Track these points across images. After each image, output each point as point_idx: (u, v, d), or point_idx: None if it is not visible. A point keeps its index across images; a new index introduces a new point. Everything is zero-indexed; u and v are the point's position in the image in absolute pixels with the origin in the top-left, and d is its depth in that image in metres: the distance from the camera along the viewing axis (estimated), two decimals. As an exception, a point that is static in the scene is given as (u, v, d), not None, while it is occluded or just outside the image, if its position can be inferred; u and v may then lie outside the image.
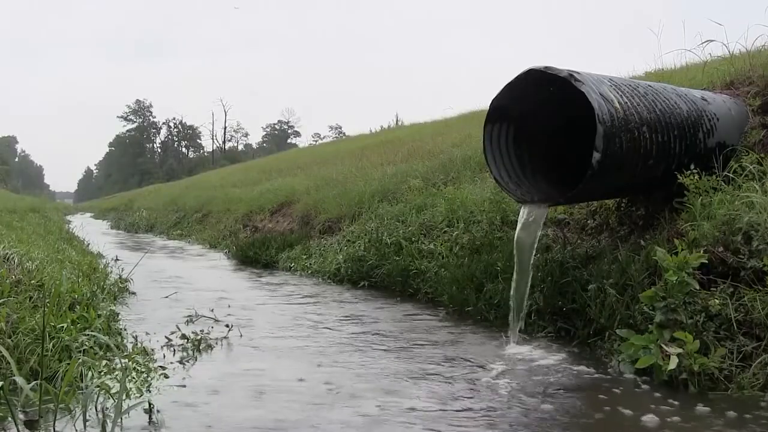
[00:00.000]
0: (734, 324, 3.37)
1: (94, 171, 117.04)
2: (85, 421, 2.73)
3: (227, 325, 4.80)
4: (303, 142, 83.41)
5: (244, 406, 3.17)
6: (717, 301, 3.45)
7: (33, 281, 4.38)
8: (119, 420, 2.73)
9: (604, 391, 3.33)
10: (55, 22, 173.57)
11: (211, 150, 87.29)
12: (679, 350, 3.28)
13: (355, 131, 36.16)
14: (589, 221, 5.41)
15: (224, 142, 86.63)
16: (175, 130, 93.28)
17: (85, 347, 3.56)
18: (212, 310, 5.38)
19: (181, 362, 3.93)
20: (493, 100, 4.42)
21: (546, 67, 4.00)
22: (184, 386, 3.43)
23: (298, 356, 4.15)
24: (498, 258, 5.28)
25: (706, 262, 3.57)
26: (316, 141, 72.13)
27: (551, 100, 4.38)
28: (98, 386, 3.03)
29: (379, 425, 2.90)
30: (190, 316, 5.21)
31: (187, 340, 4.35)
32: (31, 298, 4.06)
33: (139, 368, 3.51)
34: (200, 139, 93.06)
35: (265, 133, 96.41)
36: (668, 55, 13.13)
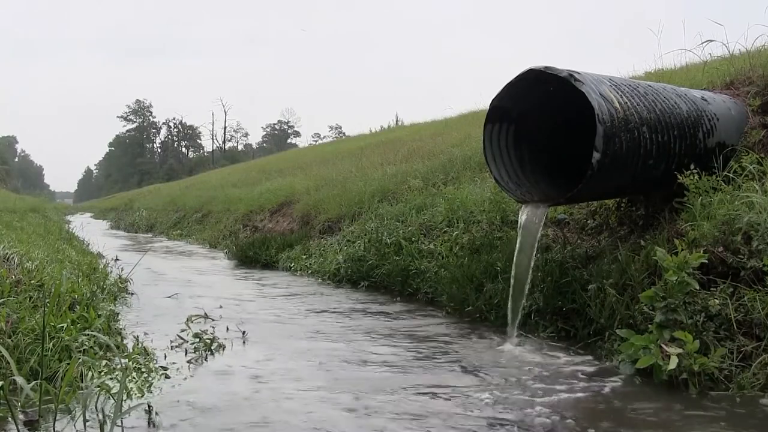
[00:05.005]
0: (734, 324, 3.37)
1: (94, 171, 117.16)
2: (85, 421, 2.73)
3: (244, 329, 4.78)
4: (303, 142, 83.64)
5: (242, 405, 3.18)
6: (717, 301, 3.45)
7: (33, 281, 4.38)
8: (119, 420, 2.72)
9: (603, 391, 3.33)
10: (55, 22, 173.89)
11: (211, 150, 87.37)
12: (679, 350, 3.28)
13: (355, 131, 36.20)
14: (589, 221, 5.41)
15: (224, 142, 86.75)
16: (175, 130, 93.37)
17: (85, 347, 3.56)
18: (217, 310, 5.37)
19: (180, 362, 3.93)
20: (493, 100, 4.42)
21: (546, 67, 4.00)
22: (182, 386, 3.43)
23: (297, 356, 4.15)
24: (498, 258, 5.27)
25: (706, 262, 3.57)
26: (316, 141, 72.35)
27: (551, 100, 4.38)
28: (98, 386, 3.03)
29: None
30: (189, 316, 5.20)
31: (185, 340, 4.34)
32: (31, 298, 4.06)
33: (139, 368, 3.51)
34: (200, 139, 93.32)
35: (265, 133, 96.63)
36: (668, 55, 13.16)
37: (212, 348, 4.21)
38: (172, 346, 4.27)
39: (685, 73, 6.55)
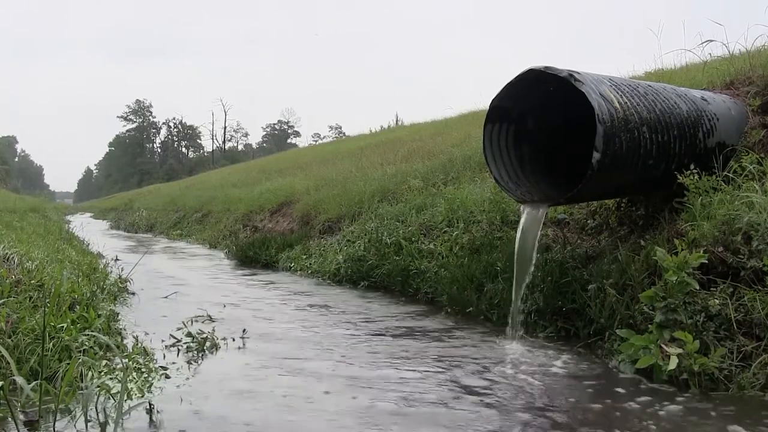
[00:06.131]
0: (734, 324, 3.37)
1: (94, 171, 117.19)
2: (87, 421, 2.73)
3: (244, 331, 4.77)
4: (303, 142, 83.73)
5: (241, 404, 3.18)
6: (717, 301, 3.45)
7: (33, 281, 4.38)
8: (121, 421, 2.73)
9: (603, 391, 3.33)
10: (55, 22, 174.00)
11: (211, 150, 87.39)
12: (679, 350, 3.28)
13: (355, 131, 36.27)
14: (589, 221, 5.41)
15: (224, 142, 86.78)
16: (175, 130, 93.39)
17: (85, 347, 3.56)
18: (217, 310, 5.36)
19: (179, 362, 3.93)
20: (493, 100, 4.42)
21: (546, 67, 4.00)
22: (184, 385, 3.43)
23: (294, 356, 4.15)
24: (498, 258, 5.27)
25: (706, 262, 3.57)
26: (316, 141, 72.44)
27: (551, 100, 4.38)
28: (99, 386, 3.03)
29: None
30: (192, 317, 5.20)
31: (180, 341, 4.34)
32: (31, 298, 4.06)
33: (139, 368, 3.51)
34: (200, 139, 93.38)
35: (265, 133, 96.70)
36: (668, 55, 13.15)
37: (205, 348, 4.21)
38: (169, 346, 4.27)
39: (685, 73, 6.55)
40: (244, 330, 4.71)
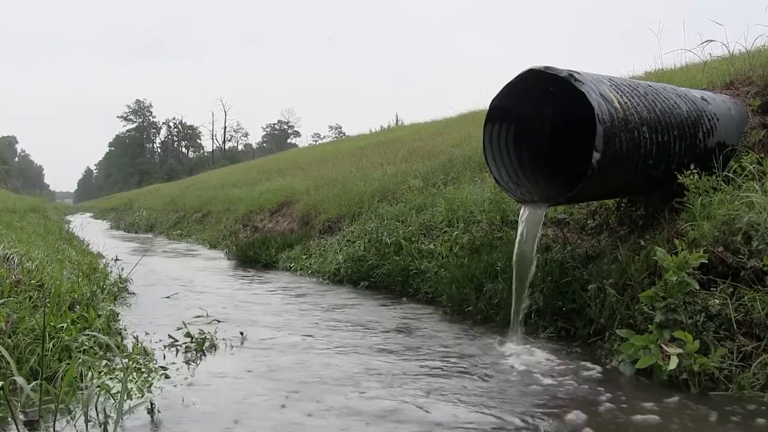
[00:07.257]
0: (734, 324, 3.37)
1: (94, 171, 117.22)
2: (87, 421, 2.73)
3: (242, 333, 4.77)
4: (303, 142, 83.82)
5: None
6: (717, 301, 3.45)
7: (33, 281, 4.38)
8: (121, 420, 2.73)
9: (603, 391, 3.33)
10: (55, 22, 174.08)
11: (211, 150, 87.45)
12: (679, 350, 3.28)
13: (355, 131, 36.34)
14: (589, 221, 5.41)
15: (224, 142, 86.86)
16: (175, 130, 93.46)
17: (85, 347, 3.56)
18: (217, 310, 5.36)
19: (179, 362, 3.93)
20: (492, 100, 4.42)
21: (546, 67, 4.00)
22: (183, 385, 3.43)
23: (292, 356, 4.16)
24: (498, 258, 5.27)
25: (706, 262, 3.57)
26: (316, 141, 72.52)
27: (551, 100, 4.38)
28: (99, 386, 3.03)
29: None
30: (194, 316, 5.20)
31: (178, 341, 4.34)
32: (31, 298, 4.06)
33: (139, 368, 3.51)
34: (200, 139, 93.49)
35: (265, 133, 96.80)
36: (668, 55, 13.17)
37: (204, 348, 4.21)
38: (168, 346, 4.26)
39: (685, 73, 6.55)
40: (242, 333, 4.71)
